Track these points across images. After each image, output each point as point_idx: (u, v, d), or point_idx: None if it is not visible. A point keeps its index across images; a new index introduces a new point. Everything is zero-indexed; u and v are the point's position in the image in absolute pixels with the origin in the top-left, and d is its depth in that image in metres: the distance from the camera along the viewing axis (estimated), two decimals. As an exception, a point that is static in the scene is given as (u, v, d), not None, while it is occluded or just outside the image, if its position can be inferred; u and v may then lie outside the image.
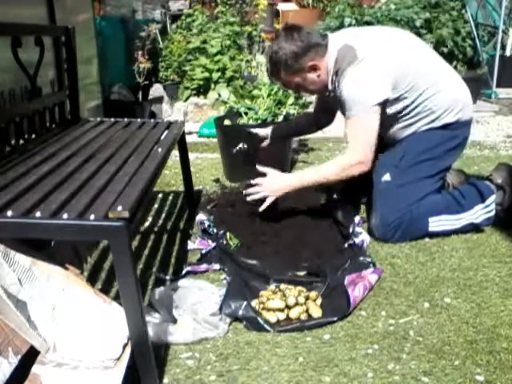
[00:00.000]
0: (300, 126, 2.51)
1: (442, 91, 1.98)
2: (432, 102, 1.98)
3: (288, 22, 2.09)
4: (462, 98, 2.05)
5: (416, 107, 1.99)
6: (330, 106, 2.23)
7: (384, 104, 1.93)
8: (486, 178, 2.17)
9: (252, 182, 2.00)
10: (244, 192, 2.04)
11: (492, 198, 2.04)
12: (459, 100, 2.03)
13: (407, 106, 1.98)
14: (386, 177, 2.03)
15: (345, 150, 2.00)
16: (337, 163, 1.98)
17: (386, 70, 1.91)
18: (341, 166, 1.94)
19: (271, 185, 1.98)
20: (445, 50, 4.81)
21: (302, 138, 3.64)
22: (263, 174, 2.02)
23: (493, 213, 2.04)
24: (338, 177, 1.96)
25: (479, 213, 2.04)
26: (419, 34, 4.99)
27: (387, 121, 2.01)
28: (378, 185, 2.05)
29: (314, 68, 1.97)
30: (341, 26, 5.33)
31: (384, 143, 2.08)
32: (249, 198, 2.00)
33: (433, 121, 2.01)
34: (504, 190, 2.13)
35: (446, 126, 2.02)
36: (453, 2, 5.44)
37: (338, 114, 2.24)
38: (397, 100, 1.96)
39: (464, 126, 2.06)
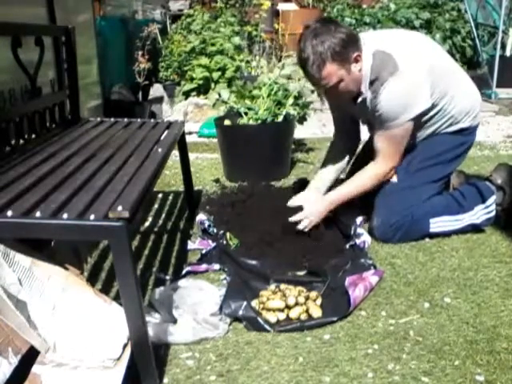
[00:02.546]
0: (339, 165, 2.21)
1: (463, 97, 1.98)
2: (455, 108, 1.97)
3: (320, 18, 1.96)
4: (478, 102, 2.06)
5: (442, 113, 1.97)
6: (351, 126, 2.18)
7: (421, 115, 1.90)
8: (486, 179, 2.17)
9: (294, 219, 1.92)
10: (297, 224, 1.94)
11: (492, 199, 2.05)
12: (476, 105, 2.04)
13: (436, 113, 1.96)
14: (393, 178, 2.03)
15: (378, 159, 1.95)
16: (372, 175, 1.97)
17: (426, 80, 1.86)
18: (376, 178, 1.97)
19: (314, 212, 1.94)
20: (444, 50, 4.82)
21: (301, 137, 3.65)
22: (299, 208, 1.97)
23: (493, 213, 2.05)
24: (372, 187, 1.99)
25: (479, 213, 2.04)
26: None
27: (415, 128, 1.97)
28: (382, 186, 2.05)
29: (357, 60, 1.82)
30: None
31: None
32: (302, 229, 1.93)
33: (451, 125, 2.00)
34: (504, 191, 2.13)
35: (459, 131, 2.02)
36: (453, 2, 5.45)
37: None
38: (430, 108, 1.92)
39: (474, 130, 2.07)
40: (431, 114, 1.96)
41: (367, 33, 2.10)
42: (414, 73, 1.84)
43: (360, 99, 1.93)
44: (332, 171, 2.18)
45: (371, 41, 1.89)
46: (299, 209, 1.95)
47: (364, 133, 2.22)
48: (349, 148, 2.22)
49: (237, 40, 4.89)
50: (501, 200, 2.12)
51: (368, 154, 2.25)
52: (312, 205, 1.95)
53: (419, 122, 1.95)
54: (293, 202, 2.01)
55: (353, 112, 2.09)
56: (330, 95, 2.00)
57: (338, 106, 2.15)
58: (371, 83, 1.86)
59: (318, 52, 1.75)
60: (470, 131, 2.04)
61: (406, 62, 1.83)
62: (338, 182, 2.17)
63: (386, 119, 1.87)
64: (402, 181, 2.02)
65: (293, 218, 1.92)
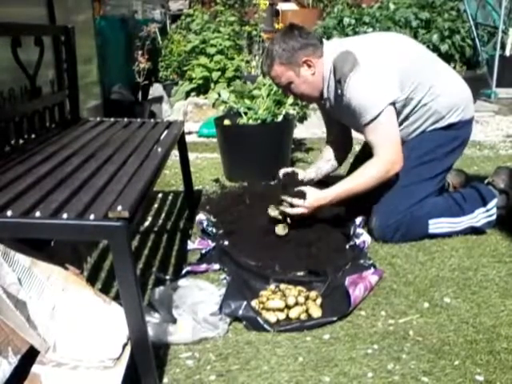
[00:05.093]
0: (334, 161, 2.26)
1: (445, 91, 1.97)
2: (437, 103, 1.96)
3: (290, 22, 2.04)
4: (464, 96, 2.05)
5: (421, 108, 1.96)
6: (341, 127, 2.20)
7: (394, 105, 1.89)
8: (488, 184, 2.16)
9: (292, 201, 1.86)
10: (283, 198, 1.88)
11: (493, 202, 2.04)
12: (462, 99, 2.03)
13: (414, 108, 1.96)
14: None
15: (377, 155, 1.88)
16: (371, 170, 1.89)
17: (390, 70, 1.88)
18: (376, 172, 1.87)
19: (312, 207, 1.87)
20: (443, 50, 4.82)
21: (301, 137, 3.66)
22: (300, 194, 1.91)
23: (494, 217, 2.04)
24: (373, 184, 1.88)
25: (480, 216, 2.03)
26: (417, 34, 5.00)
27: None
28: (379, 185, 2.04)
29: (309, 64, 1.93)
30: (340, 26, 5.34)
31: None
32: (287, 210, 1.87)
33: (437, 121, 2.00)
34: (507, 194, 2.13)
35: (449, 126, 2.01)
36: (452, 2, 5.45)
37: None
38: (404, 102, 1.93)
39: (466, 124, 2.06)
40: (409, 108, 1.96)
41: (340, 39, 2.18)
42: (374, 63, 1.88)
43: (323, 101, 2.04)
44: (327, 165, 2.24)
45: (336, 45, 1.98)
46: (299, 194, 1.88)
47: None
48: (341, 148, 2.27)
49: (235, 39, 4.90)
50: (505, 203, 2.12)
51: (368, 154, 2.26)
52: (312, 197, 1.86)
53: (398, 115, 1.94)
54: (300, 188, 1.92)
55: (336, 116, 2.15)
56: (290, 95, 2.15)
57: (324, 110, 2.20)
58: (338, 82, 1.90)
59: (269, 54, 1.96)
60: (461, 125, 2.03)
61: (366, 55, 1.88)
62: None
63: (363, 111, 1.86)
64: (399, 180, 2.00)
65: (292, 200, 1.86)
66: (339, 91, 1.92)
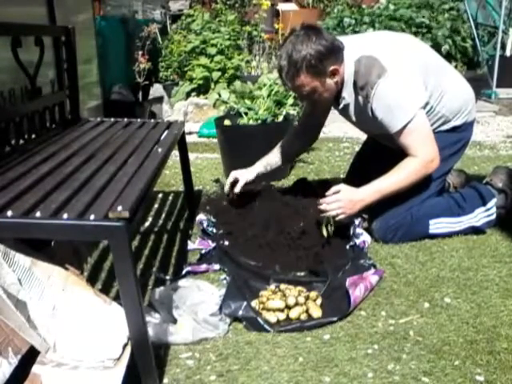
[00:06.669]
0: (289, 153, 2.27)
1: (452, 95, 1.97)
2: (445, 107, 1.96)
3: (304, 23, 1.88)
4: (470, 99, 2.05)
5: (432, 112, 1.95)
6: (319, 121, 2.21)
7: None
8: (486, 183, 2.16)
9: (327, 199, 1.83)
10: (318, 203, 1.86)
11: (493, 202, 2.04)
12: (467, 102, 2.03)
13: (427, 112, 1.93)
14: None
15: (414, 156, 1.86)
16: (410, 169, 1.86)
17: (415, 74, 1.86)
18: (416, 171, 1.86)
19: (350, 203, 1.83)
20: (444, 50, 4.82)
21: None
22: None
23: (493, 216, 2.05)
24: (413, 181, 1.88)
25: (480, 216, 2.03)
26: (418, 34, 5.00)
27: None
28: None
29: (334, 73, 1.83)
30: (340, 26, 5.34)
31: (389, 148, 2.06)
32: (324, 214, 1.85)
33: (443, 124, 2.00)
34: (506, 193, 2.13)
35: (453, 129, 2.01)
36: (452, 2, 5.45)
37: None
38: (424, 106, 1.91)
39: (469, 126, 2.06)
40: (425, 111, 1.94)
41: (350, 38, 2.09)
42: (402, 69, 1.84)
43: (342, 105, 1.96)
44: (281, 156, 2.23)
45: (354, 47, 1.89)
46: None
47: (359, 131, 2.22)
48: (305, 140, 2.32)
49: (235, 39, 4.90)
50: (504, 202, 2.12)
51: (368, 155, 2.27)
52: (349, 197, 1.84)
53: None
54: (336, 187, 1.87)
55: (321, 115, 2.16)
56: (306, 102, 2.09)
57: (312, 105, 2.16)
58: (361, 89, 1.85)
59: (293, 62, 1.77)
60: (464, 128, 2.04)
61: (392, 61, 1.83)
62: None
63: (395, 117, 1.83)
64: None
65: (325, 200, 1.83)
66: (361, 97, 1.88)
